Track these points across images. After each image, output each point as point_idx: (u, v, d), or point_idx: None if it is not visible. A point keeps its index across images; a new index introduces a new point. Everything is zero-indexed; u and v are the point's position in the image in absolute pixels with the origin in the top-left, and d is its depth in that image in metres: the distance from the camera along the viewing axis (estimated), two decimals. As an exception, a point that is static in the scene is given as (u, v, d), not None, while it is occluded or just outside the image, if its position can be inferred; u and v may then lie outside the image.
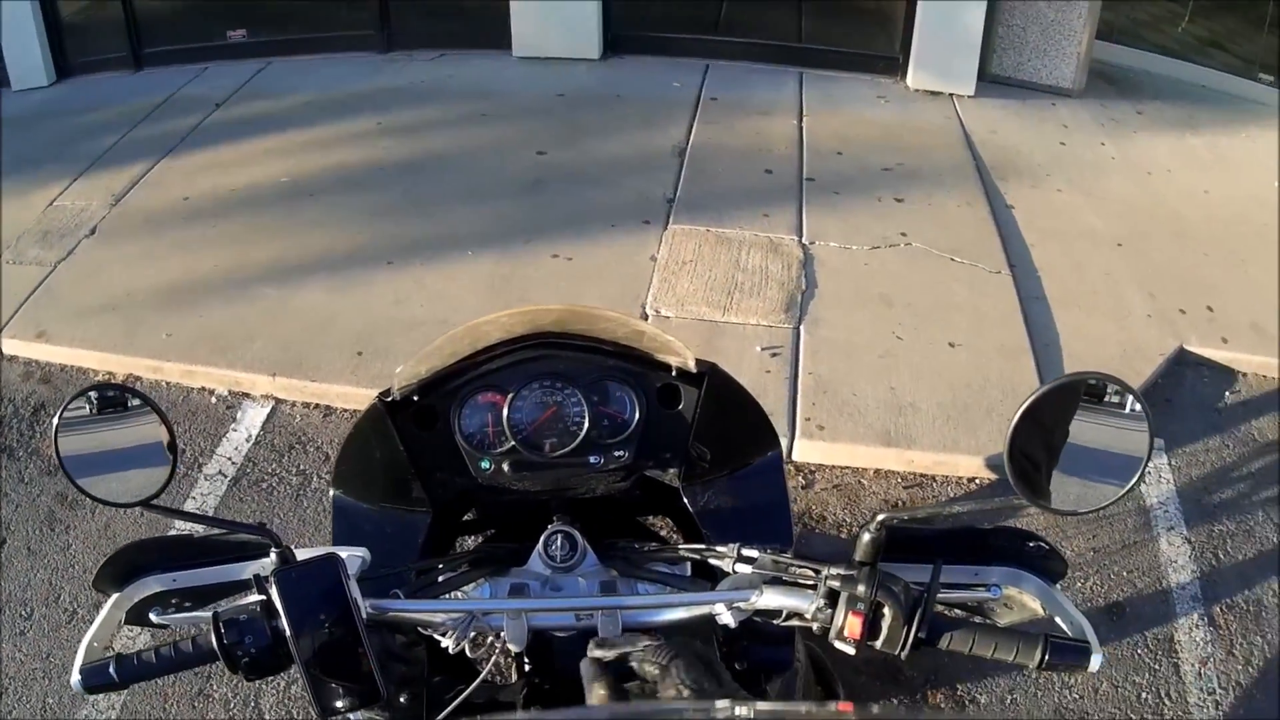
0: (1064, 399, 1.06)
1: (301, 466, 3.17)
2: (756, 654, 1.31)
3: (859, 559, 1.08)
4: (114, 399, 1.18)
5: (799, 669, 1.37)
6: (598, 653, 1.03)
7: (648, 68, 5.67)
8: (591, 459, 1.38)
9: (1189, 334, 3.62)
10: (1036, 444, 1.05)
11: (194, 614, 1.27)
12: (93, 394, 1.17)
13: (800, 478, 3.09)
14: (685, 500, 1.43)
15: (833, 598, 1.06)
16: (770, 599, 1.10)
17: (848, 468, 3.13)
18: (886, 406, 3.21)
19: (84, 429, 1.16)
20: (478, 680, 1.10)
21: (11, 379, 3.54)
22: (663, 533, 1.95)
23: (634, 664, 1.00)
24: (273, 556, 1.10)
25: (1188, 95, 5.60)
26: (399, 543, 1.39)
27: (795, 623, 1.11)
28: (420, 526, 1.42)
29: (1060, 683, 2.52)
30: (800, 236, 4.06)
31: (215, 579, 1.27)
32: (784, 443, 3.09)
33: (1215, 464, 3.22)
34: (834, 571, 1.07)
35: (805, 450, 3.13)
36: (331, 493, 1.46)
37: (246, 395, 3.44)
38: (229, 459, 3.20)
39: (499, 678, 1.60)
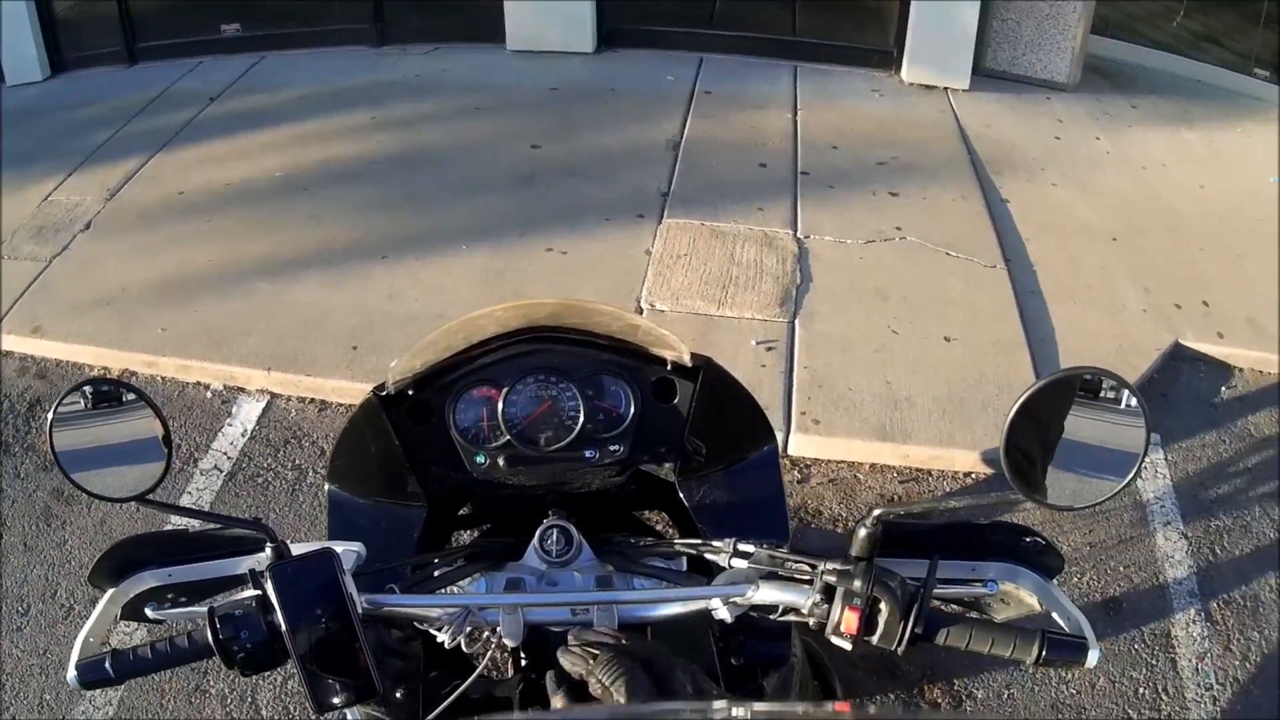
0: (1060, 394, 1.06)
1: (297, 461, 3.16)
2: (753, 649, 1.31)
3: (855, 554, 1.08)
4: (109, 394, 1.17)
5: (795, 664, 1.37)
6: (564, 661, 1.05)
7: (642, 61, 5.65)
8: (587, 453, 1.38)
9: (1185, 329, 3.63)
10: (1032, 439, 1.05)
11: (189, 609, 1.27)
12: (87, 389, 1.16)
13: (796, 472, 3.10)
14: (681, 495, 1.43)
15: (829, 593, 1.06)
16: (766, 594, 1.10)
17: (843, 462, 3.14)
18: (882, 401, 3.21)
19: (79, 424, 1.16)
20: (473, 675, 1.10)
21: (7, 374, 3.53)
22: (658, 527, 1.96)
23: (588, 679, 1.02)
24: (268, 551, 1.10)
25: (1183, 90, 5.60)
26: (394, 537, 1.39)
27: (792, 618, 1.11)
28: (416, 521, 1.42)
29: (1057, 678, 2.53)
30: (795, 230, 4.06)
31: (211, 574, 1.27)
32: (779, 437, 3.09)
33: (1212, 459, 3.22)
34: (830, 567, 1.07)
35: (801, 445, 3.13)
36: (327, 487, 1.46)
37: (242, 390, 3.43)
38: (224, 454, 3.20)
39: (495, 673, 1.61)
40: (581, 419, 1.37)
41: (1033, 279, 3.85)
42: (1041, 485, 1.06)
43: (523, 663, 1.28)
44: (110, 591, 1.23)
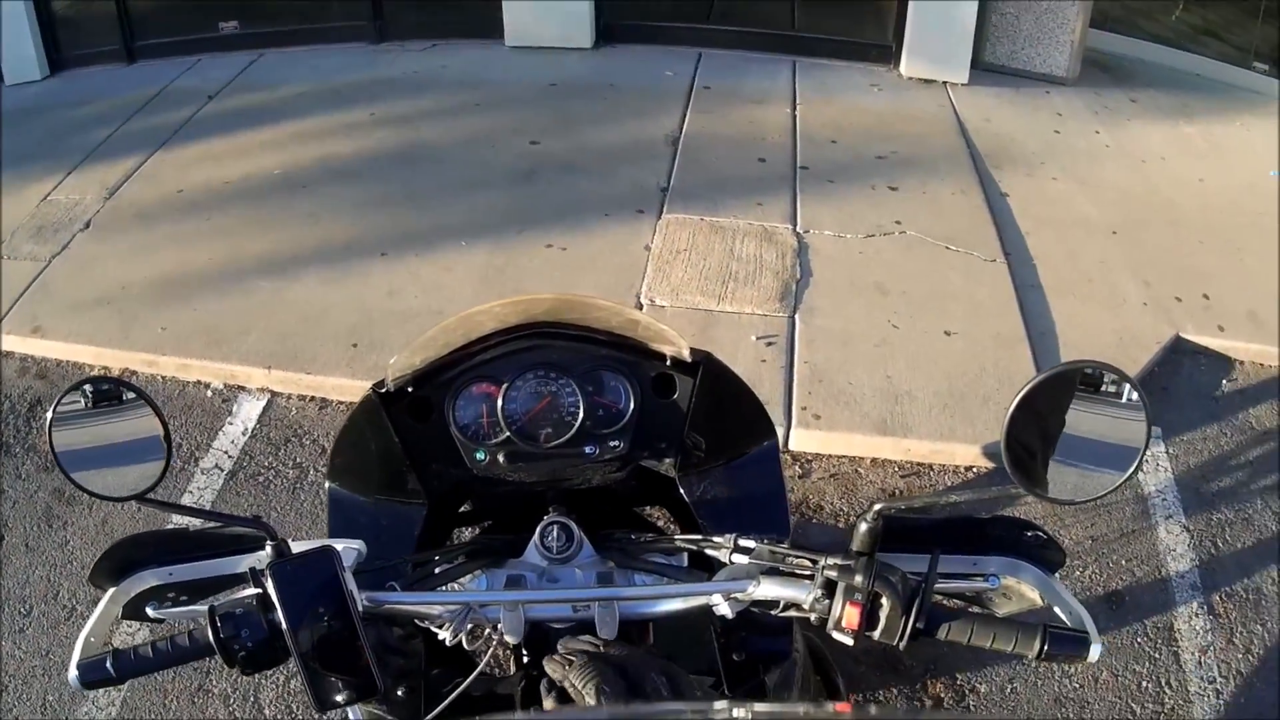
0: (1061, 387, 1.06)
1: (297, 459, 3.16)
2: (754, 645, 1.31)
3: (856, 549, 1.07)
4: (108, 393, 1.17)
5: (797, 659, 1.37)
6: (548, 668, 1.06)
7: (640, 57, 5.65)
8: (587, 449, 1.38)
9: (1185, 322, 3.63)
10: (1033, 433, 1.05)
11: (190, 608, 1.26)
12: (87, 388, 1.16)
13: (797, 467, 3.09)
14: (681, 491, 1.43)
15: (830, 588, 1.06)
16: (767, 589, 1.10)
17: (844, 457, 3.13)
18: (883, 395, 3.21)
19: (79, 423, 1.16)
20: (475, 672, 1.10)
21: (7, 374, 3.53)
22: (659, 523, 1.95)
23: (564, 683, 1.03)
24: (268, 550, 1.10)
25: (1182, 83, 5.59)
26: (395, 535, 1.39)
27: (793, 613, 1.10)
28: (416, 518, 1.41)
29: (1060, 672, 2.53)
30: (794, 225, 4.06)
31: (211, 573, 1.27)
32: (780, 432, 3.09)
33: (1213, 452, 3.22)
34: (831, 562, 1.07)
35: (801, 439, 3.13)
36: (327, 485, 1.46)
37: (242, 388, 3.43)
38: (225, 452, 3.20)
39: (496, 670, 1.60)
40: (581, 415, 1.37)
41: (1033, 273, 3.85)
42: (1043, 479, 1.06)
43: (524, 660, 1.28)
44: (111, 591, 1.22)
